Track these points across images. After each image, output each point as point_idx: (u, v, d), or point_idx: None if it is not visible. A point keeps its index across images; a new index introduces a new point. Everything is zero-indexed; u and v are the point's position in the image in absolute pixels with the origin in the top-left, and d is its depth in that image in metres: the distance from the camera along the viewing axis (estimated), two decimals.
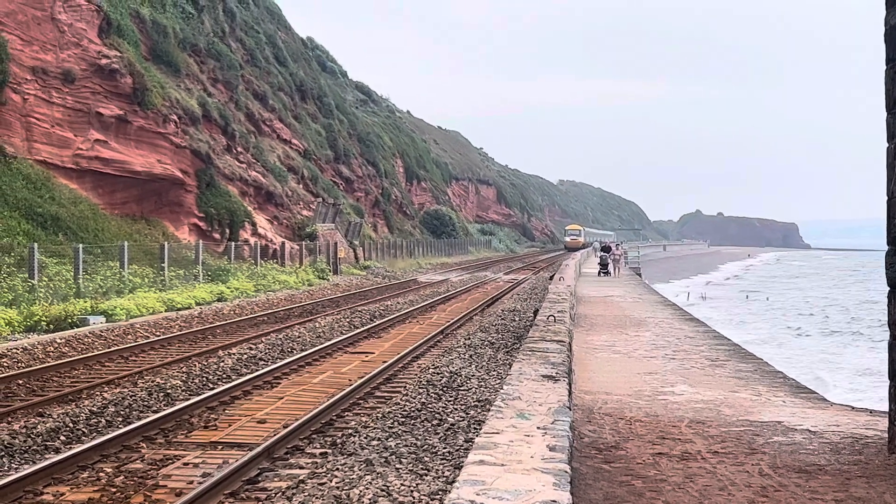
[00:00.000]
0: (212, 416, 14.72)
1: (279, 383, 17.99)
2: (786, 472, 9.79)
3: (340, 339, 24.35)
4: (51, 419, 14.25)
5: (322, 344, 23.39)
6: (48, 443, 12.79)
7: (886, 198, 10.90)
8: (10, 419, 14.33)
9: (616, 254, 59.99)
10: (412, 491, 10.24)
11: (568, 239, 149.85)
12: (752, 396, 14.74)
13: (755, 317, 63.12)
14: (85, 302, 28.84)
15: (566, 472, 6.07)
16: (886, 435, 11.05)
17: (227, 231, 51.86)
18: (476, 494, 5.42)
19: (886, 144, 10.88)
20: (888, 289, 10.92)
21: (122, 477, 11.02)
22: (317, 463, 11.68)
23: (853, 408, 14.29)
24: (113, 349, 21.96)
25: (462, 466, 6.32)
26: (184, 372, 19.02)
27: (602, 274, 55.88)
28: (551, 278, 45.71)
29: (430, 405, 15.42)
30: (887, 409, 11.09)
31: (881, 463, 10.28)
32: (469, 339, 24.85)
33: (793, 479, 9.50)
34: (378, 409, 15.23)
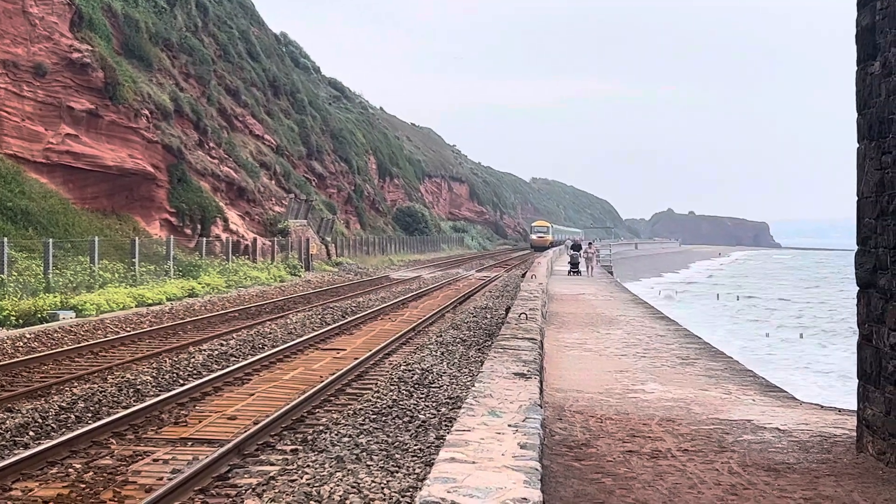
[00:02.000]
0: (182, 412, 14.67)
1: (250, 380, 17.96)
2: (755, 470, 9.84)
3: (312, 335, 24.32)
4: (20, 415, 14.17)
5: (293, 340, 23.36)
6: (17, 438, 12.72)
7: (857, 198, 10.97)
8: None
9: (589, 252, 58.45)
10: (383, 488, 10.24)
11: (534, 237, 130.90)
12: (722, 395, 14.80)
13: (725, 315, 63.38)
14: (55, 297, 28.70)
15: (537, 469, 6.08)
16: (854, 434, 11.13)
17: (199, 227, 51.67)
18: (447, 492, 5.41)
19: (857, 145, 10.95)
20: (858, 288, 11.00)
21: (91, 473, 10.98)
22: (287, 460, 11.67)
23: (822, 406, 14.38)
24: (83, 344, 21.86)
25: (433, 464, 6.32)
26: (154, 368, 18.96)
27: (572, 273, 54.69)
28: (523, 276, 45.75)
29: (401, 402, 15.42)
30: (855, 408, 11.16)
31: (849, 461, 10.34)
32: (441, 336, 24.87)
33: (762, 477, 9.54)
34: (349, 406, 15.23)
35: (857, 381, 11.01)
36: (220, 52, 66.62)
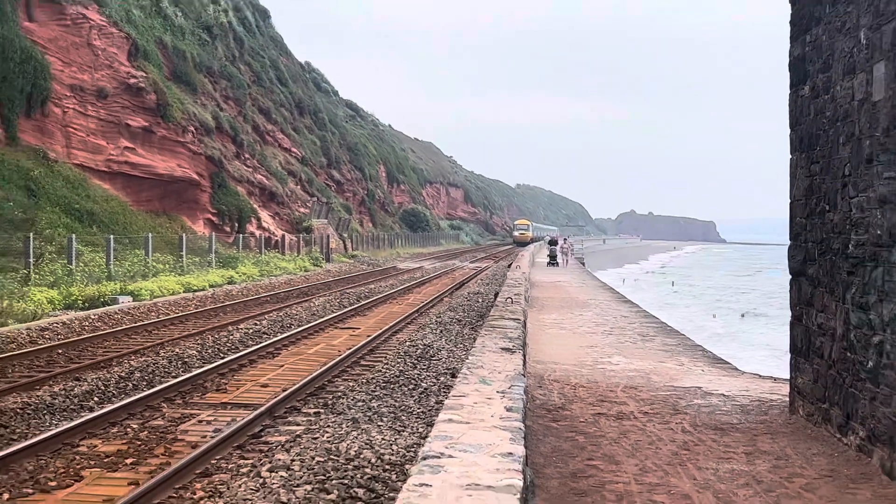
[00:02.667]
0: (222, 381, 14.67)
1: (280, 353, 17.95)
2: (704, 429, 9.85)
3: (331, 316, 24.29)
4: (86, 383, 14.17)
5: (316, 321, 23.33)
6: (83, 403, 12.72)
7: (790, 200, 10.99)
8: (51, 383, 14.24)
9: (564, 246, 58.32)
10: (391, 444, 10.24)
11: (517, 233, 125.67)
12: (677, 366, 14.81)
13: (679, 299, 63.35)
14: (115, 284, 28.68)
15: (521, 429, 6.08)
16: (787, 399, 11.15)
17: (236, 225, 51.68)
18: (445, 447, 5.42)
19: (790, 156, 10.96)
20: (790, 277, 11.01)
21: (146, 432, 10.98)
22: (311, 420, 11.66)
23: (760, 376, 14.40)
24: (138, 324, 21.84)
25: (434, 424, 6.32)
26: (199, 344, 18.94)
27: (551, 264, 54.39)
28: (509, 266, 45.74)
29: (406, 372, 15.42)
30: (788, 377, 11.18)
31: (783, 422, 10.36)
32: (440, 317, 24.84)
33: (710, 435, 9.55)
34: (363, 376, 15.22)
35: (789, 354, 11.03)
36: (254, 78, 66.52)
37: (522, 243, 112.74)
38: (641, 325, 21.60)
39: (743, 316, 52.00)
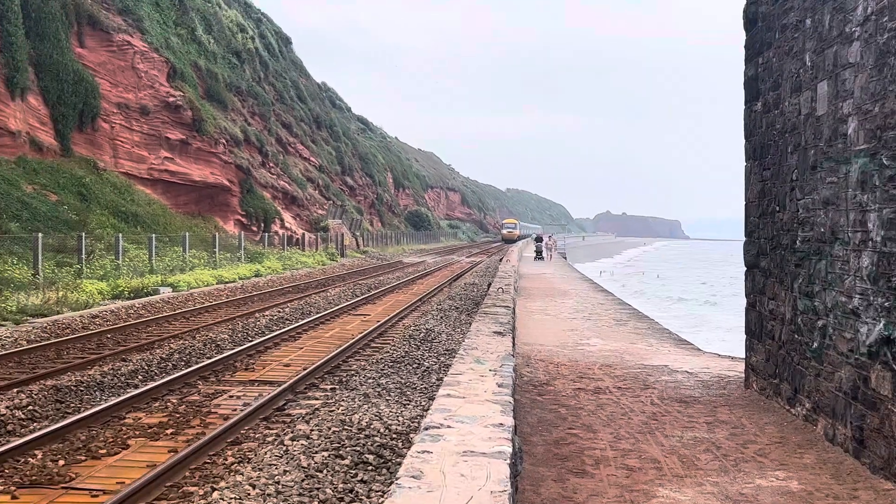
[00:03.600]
0: (250, 361, 14.65)
1: (300, 337, 17.93)
2: (670, 402, 9.86)
3: (345, 304, 24.27)
4: (131, 363, 14.16)
5: (332, 308, 23.31)
6: (129, 381, 12.71)
7: (745, 202, 10.99)
8: (101, 363, 14.23)
9: (549, 243, 58.47)
10: (397, 416, 10.24)
11: (505, 231, 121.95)
12: (647, 347, 14.82)
13: (649, 288, 63.34)
14: (156, 277, 28.66)
15: (510, 402, 6.08)
16: (743, 375, 11.16)
17: (262, 225, 51.66)
18: (444, 419, 5.42)
19: (745, 163, 10.96)
20: (745, 269, 11.02)
21: (183, 406, 10.97)
22: (328, 395, 11.66)
23: (719, 355, 14.41)
24: (177, 312, 21.82)
25: (434, 398, 6.33)
26: (230, 329, 18.93)
27: (537, 259, 54.40)
28: (500, 261, 45.72)
29: (411, 353, 15.41)
30: (744, 356, 11.19)
31: (739, 395, 10.37)
32: (440, 304, 24.83)
33: (675, 407, 9.56)
34: (373, 356, 15.21)
35: (744, 336, 11.04)
36: (277, 97, 66.48)
37: (510, 240, 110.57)
38: (616, 311, 21.61)
39: (705, 301, 51.92)
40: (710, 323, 39.75)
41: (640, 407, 9.53)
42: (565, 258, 64.58)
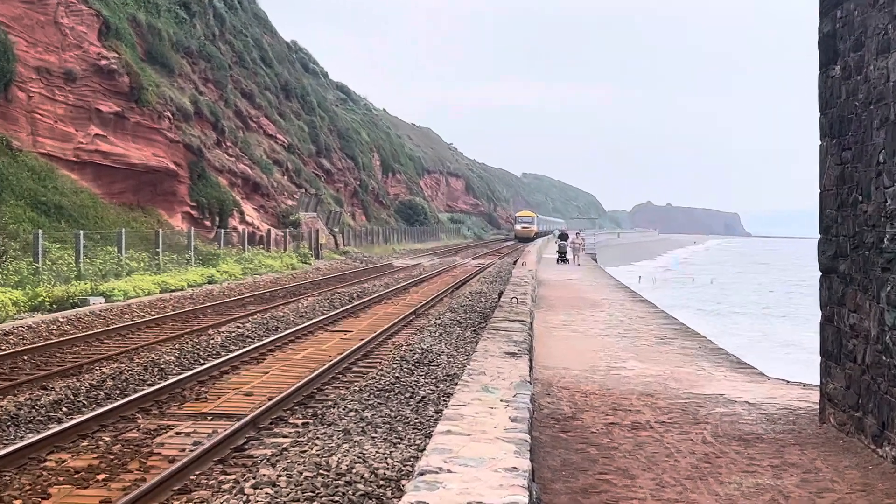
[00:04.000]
0: (202, 389, 14.68)
1: (265, 359, 17.96)
2: (726, 440, 9.85)
3: (321, 318, 24.31)
4: (53, 392, 14.18)
5: (304, 323, 23.35)
6: (51, 413, 12.72)
7: (819, 191, 10.98)
8: (15, 392, 14.24)
9: (576, 242, 56.60)
10: (386, 458, 10.24)
11: (519, 227, 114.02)
12: (697, 371, 14.82)
13: (699, 298, 63.35)
14: (85, 284, 28.68)
15: (526, 441, 6.09)
16: (818, 406, 11.15)
17: (217, 219, 51.69)
18: (444, 462, 5.42)
19: (819, 142, 10.95)
20: (820, 274, 11.01)
21: (119, 445, 10.98)
22: (299, 432, 11.68)
23: (788, 382, 14.39)
24: (111, 327, 21.86)
25: (432, 436, 6.33)
26: (176, 348, 18.96)
27: (560, 261, 53.51)
28: (515, 263, 45.76)
29: (403, 379, 15.43)
30: (818, 383, 11.19)
31: (813, 432, 10.36)
32: (439, 318, 24.87)
33: (733, 446, 9.56)
34: (355, 383, 15.23)
35: (819, 357, 11.03)
36: (235, 59, 66.56)
37: (525, 238, 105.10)
38: (659, 326, 21.61)
39: (769, 314, 51.94)
40: (777, 341, 39.76)
41: (689, 446, 9.52)
42: (595, 260, 64.59)
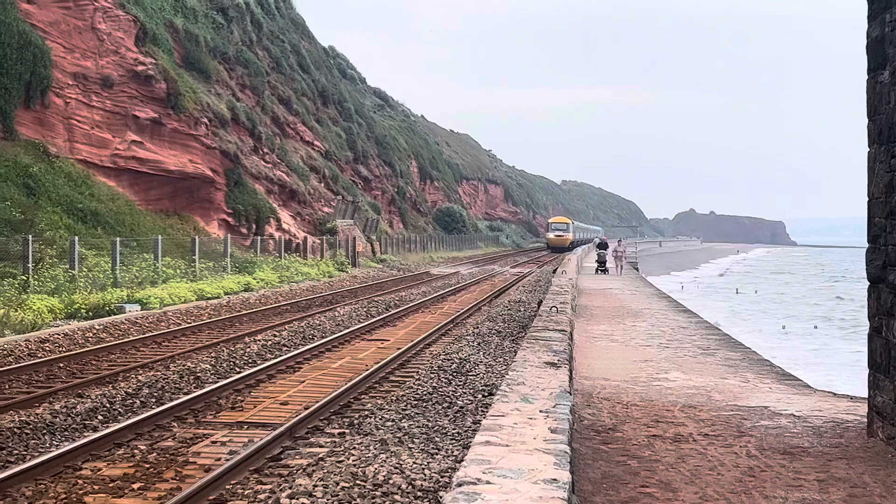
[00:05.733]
0: (238, 397, 14.75)
1: (301, 368, 18.02)
2: (771, 453, 9.78)
3: (358, 326, 24.36)
4: (89, 400, 14.30)
5: (341, 331, 23.41)
6: (86, 422, 12.83)
7: (867, 199, 10.89)
8: (51, 399, 14.38)
9: (619, 250, 54.69)
10: (423, 469, 10.25)
11: (552, 235, 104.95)
12: (741, 383, 14.72)
13: (744, 308, 62.96)
14: (121, 291, 28.92)
15: (566, 452, 6.07)
16: (865, 419, 11.04)
17: (254, 226, 51.98)
18: (482, 473, 5.42)
19: (867, 149, 10.86)
20: (868, 283, 10.91)
21: (154, 454, 11.05)
22: (335, 442, 11.70)
23: (835, 394, 14.27)
24: (147, 335, 22.01)
25: (470, 446, 6.33)
26: (213, 357, 19.06)
27: (599, 272, 51.35)
28: (554, 272, 45.67)
29: (440, 389, 15.43)
30: (866, 396, 11.08)
31: (860, 445, 10.26)
32: (477, 327, 24.85)
33: (778, 460, 9.49)
34: (392, 393, 15.24)
35: (867, 369, 10.93)
36: (273, 65, 66.92)
37: (560, 248, 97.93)
38: (702, 336, 21.48)
39: (816, 327, 51.51)
40: (825, 352, 39.44)
41: (733, 460, 9.46)
42: (636, 269, 64.31)
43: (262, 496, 9.37)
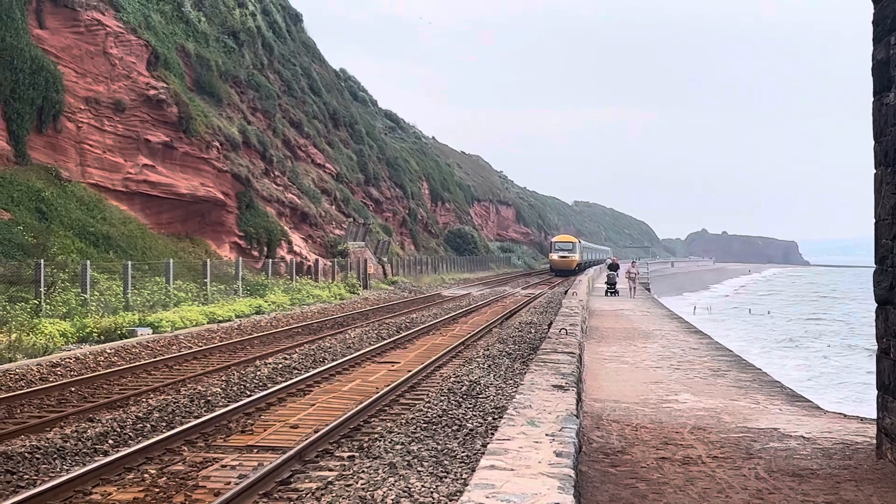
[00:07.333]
0: (248, 421, 14.77)
1: (311, 391, 18.04)
2: (780, 475, 9.78)
3: (369, 349, 24.38)
4: (100, 424, 14.35)
5: (352, 354, 23.43)
6: (97, 446, 12.87)
7: (874, 220, 10.91)
8: (62, 424, 14.43)
9: (632, 272, 53.15)
10: (432, 492, 10.26)
11: (555, 256, 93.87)
12: (751, 405, 14.72)
13: (756, 329, 62.79)
14: (133, 315, 28.99)
15: (571, 476, 6.10)
16: (875, 441, 11.03)
17: (265, 249, 52.09)
18: (486, 497, 5.45)
19: (874, 170, 10.89)
20: (876, 305, 10.92)
21: (164, 478, 11.09)
22: (344, 465, 11.72)
23: (845, 415, 14.26)
24: (158, 359, 22.07)
25: (476, 470, 6.36)
26: (223, 380, 19.10)
27: (609, 294, 50.67)
28: (565, 293, 45.61)
29: (450, 412, 15.43)
30: (875, 417, 11.07)
31: (869, 467, 10.25)
32: (488, 349, 24.85)
33: (787, 482, 9.49)
34: (402, 416, 15.26)
35: (876, 391, 10.92)
36: (284, 88, 67.20)
37: (566, 271, 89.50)
38: (712, 358, 21.47)
39: (826, 346, 51.34)
40: (835, 374, 39.31)
41: (742, 482, 9.46)
42: (648, 290, 64.21)
43: None
